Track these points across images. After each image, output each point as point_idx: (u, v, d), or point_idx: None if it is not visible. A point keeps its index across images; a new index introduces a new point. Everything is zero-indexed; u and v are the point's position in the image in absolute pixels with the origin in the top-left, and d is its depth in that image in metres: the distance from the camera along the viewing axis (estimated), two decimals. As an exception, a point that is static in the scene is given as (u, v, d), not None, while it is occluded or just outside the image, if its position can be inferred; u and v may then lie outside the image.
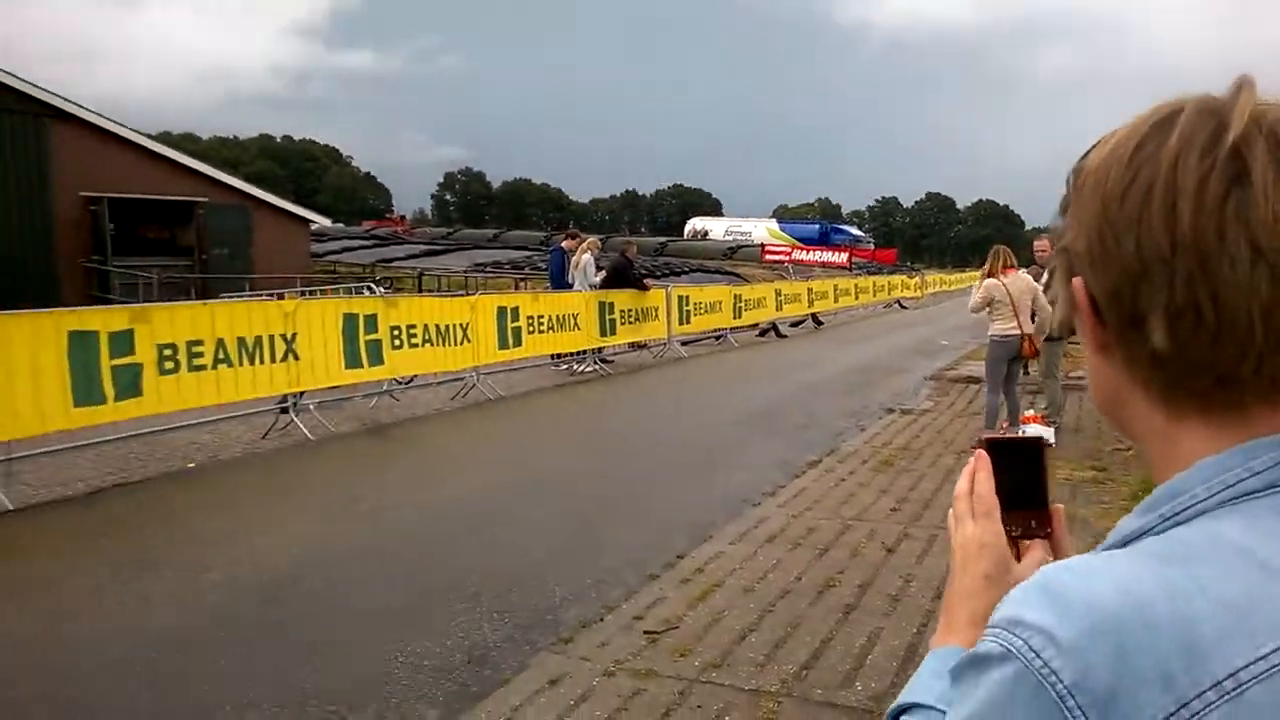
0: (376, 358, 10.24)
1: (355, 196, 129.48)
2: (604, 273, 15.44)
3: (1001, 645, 0.62)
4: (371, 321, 10.18)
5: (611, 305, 14.96)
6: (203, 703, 3.79)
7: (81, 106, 22.63)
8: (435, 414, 10.77)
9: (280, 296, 10.99)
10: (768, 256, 54.58)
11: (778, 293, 22.83)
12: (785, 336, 21.58)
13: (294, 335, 9.13)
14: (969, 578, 0.85)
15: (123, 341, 7.53)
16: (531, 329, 13.06)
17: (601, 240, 18.14)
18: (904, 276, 41.25)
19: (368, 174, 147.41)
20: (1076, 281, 0.72)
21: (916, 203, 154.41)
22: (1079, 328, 0.74)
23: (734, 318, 19.82)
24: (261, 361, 8.79)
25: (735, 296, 20.21)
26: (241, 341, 8.58)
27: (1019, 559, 0.85)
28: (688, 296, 18.15)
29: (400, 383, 11.25)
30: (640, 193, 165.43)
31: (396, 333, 10.53)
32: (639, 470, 8.01)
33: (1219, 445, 0.67)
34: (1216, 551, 0.63)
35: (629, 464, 8.29)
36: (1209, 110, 0.66)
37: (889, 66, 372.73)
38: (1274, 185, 0.63)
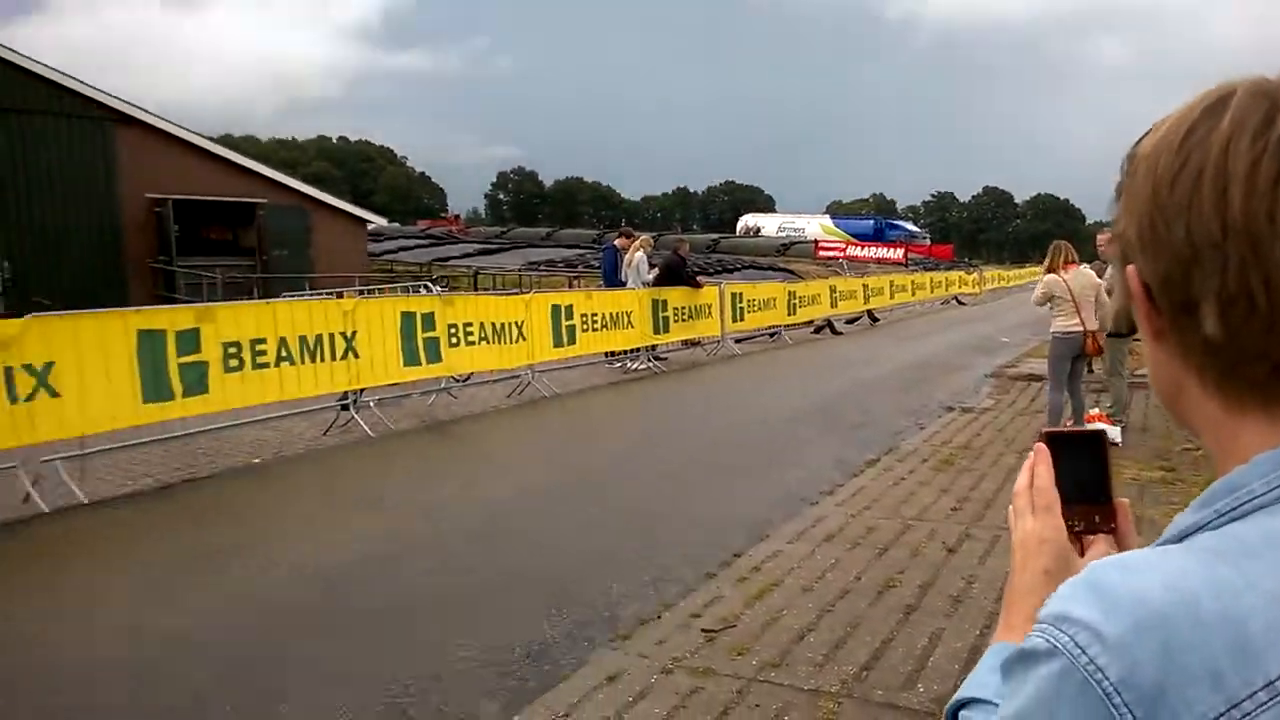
0: (434, 355, 10.36)
1: (410, 196, 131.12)
2: (657, 270, 15.44)
3: (1048, 641, 0.62)
4: (429, 320, 10.30)
5: (665, 303, 14.95)
6: (268, 691, 3.87)
7: (146, 111, 23.24)
8: (492, 411, 10.87)
9: (339, 295, 11.18)
10: (821, 253, 54.19)
11: (832, 289, 22.63)
12: (840, 333, 21.39)
13: (354, 334, 9.28)
14: (1029, 573, 0.84)
15: (189, 340, 7.72)
16: (585, 327, 13.11)
17: (654, 238, 18.14)
18: (961, 272, 40.60)
19: (422, 174, 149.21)
20: (1130, 269, 0.71)
21: (973, 197, 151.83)
22: (1135, 315, 0.74)
23: (788, 315, 19.68)
24: (322, 359, 8.94)
25: (789, 293, 20.07)
26: (303, 340, 8.74)
27: (1082, 554, 0.84)
28: (741, 293, 18.06)
29: (457, 380, 11.37)
30: (692, 190, 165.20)
31: (453, 331, 10.64)
32: (695, 468, 7.99)
33: (1279, 439, 0.65)
34: (1271, 548, 0.62)
35: (684, 462, 8.28)
36: (1262, 93, 0.65)
37: (941, 60, 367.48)
38: None
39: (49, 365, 6.71)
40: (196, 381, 7.75)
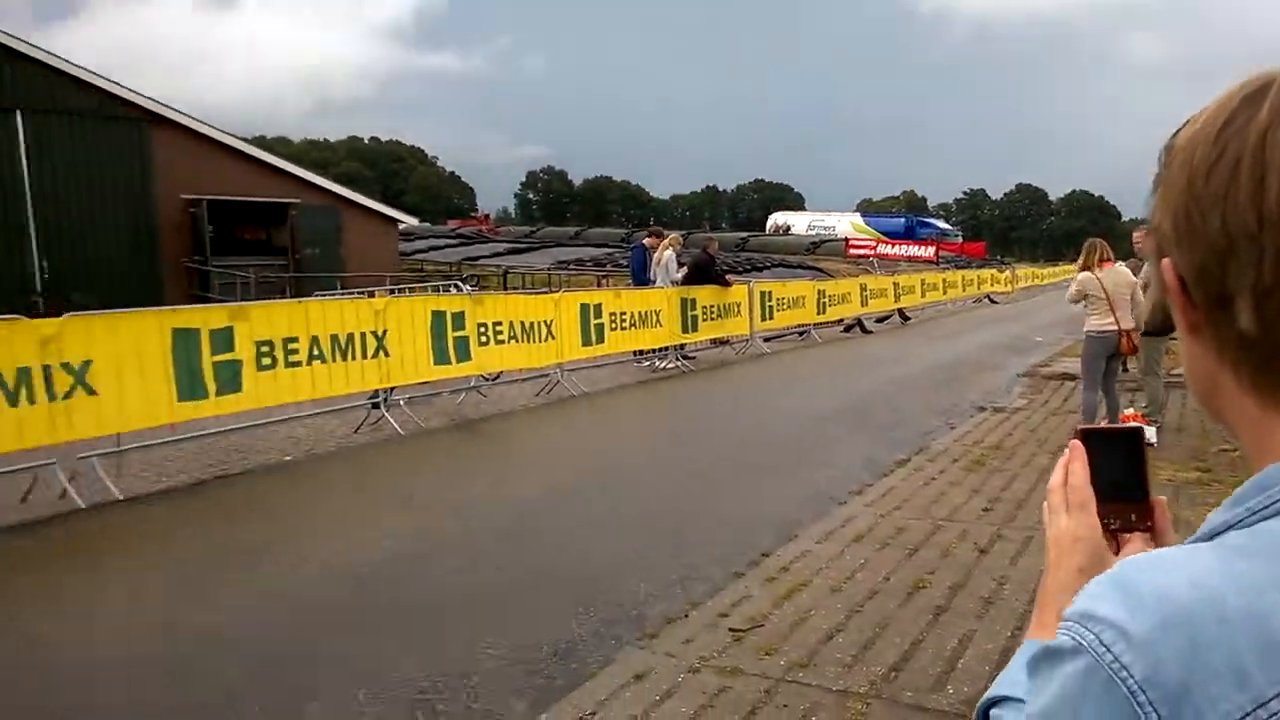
0: (464, 354, 10.42)
1: (440, 196, 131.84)
2: (685, 269, 15.42)
3: (1073, 639, 0.62)
4: (459, 319, 10.36)
5: (693, 301, 14.93)
6: (299, 689, 3.91)
7: (180, 112, 23.55)
8: (520, 410, 10.91)
9: (370, 295, 11.27)
10: (852, 251, 53.86)
11: (863, 288, 22.49)
12: (870, 332, 21.26)
13: (384, 332, 9.35)
14: (1063, 572, 0.83)
15: (223, 339, 7.81)
16: (614, 326, 13.12)
17: (683, 236, 18.12)
18: (993, 270, 40.17)
19: (452, 173, 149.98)
20: (1165, 262, 0.70)
21: (1006, 194, 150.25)
22: (1170, 310, 0.73)
23: (818, 313, 19.59)
24: (354, 358, 9.02)
25: (819, 292, 19.98)
26: (335, 339, 8.82)
27: (1118, 552, 0.83)
28: (770, 292, 18.00)
29: (487, 379, 11.43)
30: (721, 188, 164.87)
31: (483, 330, 10.70)
32: (723, 467, 7.97)
33: None
34: None
35: (712, 461, 8.26)
36: None
37: (974, 55, 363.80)
38: None
39: (86, 364, 6.82)
40: (230, 380, 7.84)
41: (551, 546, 5.74)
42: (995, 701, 0.82)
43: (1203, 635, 0.58)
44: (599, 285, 24.86)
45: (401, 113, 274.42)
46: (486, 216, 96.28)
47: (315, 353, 8.63)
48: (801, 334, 19.28)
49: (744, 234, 67.41)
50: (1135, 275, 8.42)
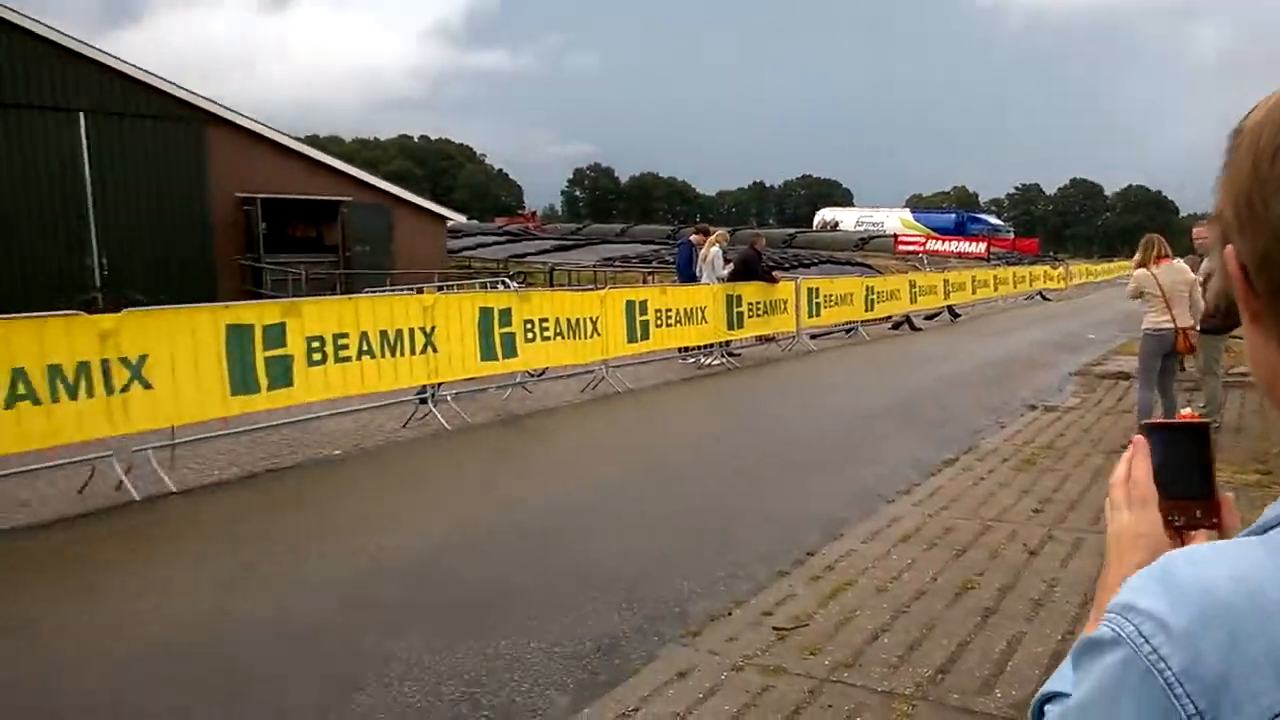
0: (510, 350, 10.48)
1: (488, 194, 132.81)
2: (732, 265, 15.36)
3: (1113, 630, 0.62)
4: (506, 315, 10.42)
5: (739, 298, 14.87)
6: (347, 678, 3.96)
7: (235, 111, 23.99)
8: (565, 406, 10.95)
9: (419, 291, 11.38)
10: (901, 247, 53.25)
11: (912, 284, 22.22)
12: (919, 329, 21.01)
13: (433, 329, 9.44)
14: (1122, 568, 0.82)
15: (275, 334, 7.94)
16: (659, 322, 13.11)
17: (729, 233, 18.05)
18: (1046, 267, 39.45)
19: (500, 171, 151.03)
20: (1228, 249, 0.69)
21: (1060, 189, 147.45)
22: (1235, 297, 0.71)
23: (866, 310, 19.40)
24: (402, 354, 9.12)
25: (867, 288, 19.78)
26: (384, 334, 8.92)
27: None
28: (818, 289, 17.86)
29: (532, 375, 11.49)
30: (768, 184, 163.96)
31: (529, 326, 10.75)
32: (768, 465, 7.93)
33: None
34: None
35: (757, 458, 8.22)
36: None
37: (1029, 47, 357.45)
38: None
39: (143, 358, 6.98)
40: (281, 374, 7.97)
41: (596, 542, 5.76)
42: (1050, 697, 0.81)
43: (1243, 628, 0.57)
44: (645, 282, 24.86)
45: (451, 111, 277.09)
46: (533, 214, 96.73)
47: (365, 348, 8.74)
48: (849, 331, 19.10)
49: (791, 230, 67.02)
50: (1194, 272, 8.22)
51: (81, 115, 21.04)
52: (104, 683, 3.96)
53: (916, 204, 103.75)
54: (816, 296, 17.58)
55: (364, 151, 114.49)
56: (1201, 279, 8.02)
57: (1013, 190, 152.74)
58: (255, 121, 24.53)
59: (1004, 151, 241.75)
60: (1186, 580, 0.61)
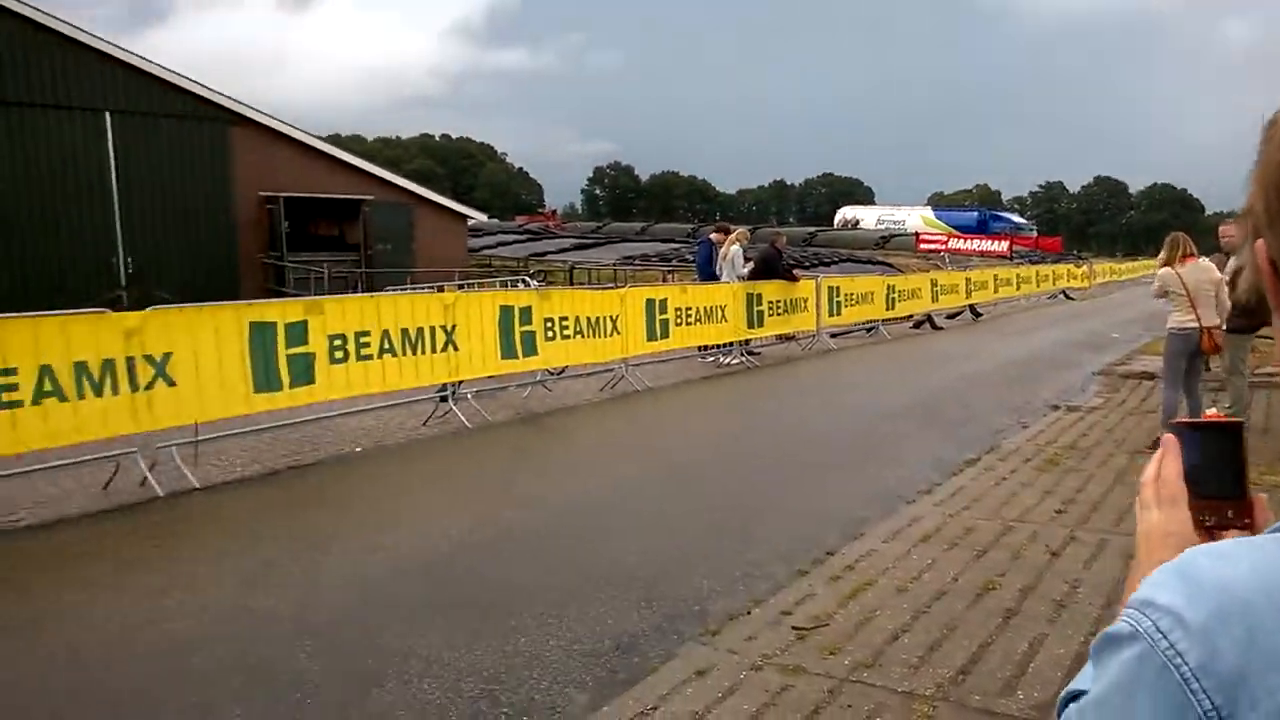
0: (530, 349, 10.50)
1: (509, 192, 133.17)
2: (752, 264, 15.32)
3: (1131, 625, 0.62)
4: (526, 314, 10.45)
5: (759, 296, 14.83)
6: (367, 675, 3.98)
7: (259, 110, 24.15)
8: (585, 404, 10.96)
9: (440, 290, 11.43)
10: (922, 246, 53.00)
11: (933, 283, 22.09)
12: (941, 328, 20.88)
13: (453, 327, 9.47)
14: (1150, 567, 0.82)
15: (297, 332, 7.99)
16: (679, 321, 13.10)
17: (750, 231, 18.01)
18: (1070, 266, 39.13)
19: (521, 169, 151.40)
20: (1258, 244, 0.68)
21: (1083, 187, 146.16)
22: (1266, 294, 0.71)
23: (887, 309, 19.31)
24: (423, 352, 9.16)
25: (888, 287, 19.68)
26: (405, 333, 8.96)
27: None
28: (838, 287, 17.79)
29: (552, 373, 11.51)
30: (789, 182, 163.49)
31: (549, 325, 10.77)
32: (787, 464, 7.91)
33: None
34: None
35: (777, 457, 8.20)
36: None
37: (1052, 43, 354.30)
38: None
39: (167, 355, 7.05)
40: (303, 372, 8.02)
41: (615, 540, 5.76)
42: (1074, 695, 0.82)
43: (1261, 625, 0.57)
44: (665, 280, 24.84)
45: (472, 110, 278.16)
46: (554, 212, 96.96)
47: (386, 346, 8.78)
48: (870, 330, 19.02)
49: (811, 229, 66.88)
50: (1220, 271, 8.13)
51: (108, 115, 21.25)
52: (127, 677, 4.00)
53: (938, 202, 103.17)
54: (837, 295, 17.51)
55: (386, 150, 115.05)
56: (1228, 277, 7.93)
57: (1036, 188, 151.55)
58: (278, 120, 24.69)
59: (1027, 149, 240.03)
60: (1205, 575, 0.61)
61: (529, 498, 6.85)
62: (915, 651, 4.13)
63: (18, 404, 6.17)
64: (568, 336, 11.07)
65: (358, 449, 8.46)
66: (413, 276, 23.78)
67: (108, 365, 6.67)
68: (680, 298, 13.32)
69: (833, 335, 17.44)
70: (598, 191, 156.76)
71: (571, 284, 27.99)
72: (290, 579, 5.13)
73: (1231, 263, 7.88)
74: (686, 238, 50.91)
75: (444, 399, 9.71)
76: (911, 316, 20.85)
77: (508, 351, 10.22)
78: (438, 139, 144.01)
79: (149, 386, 6.91)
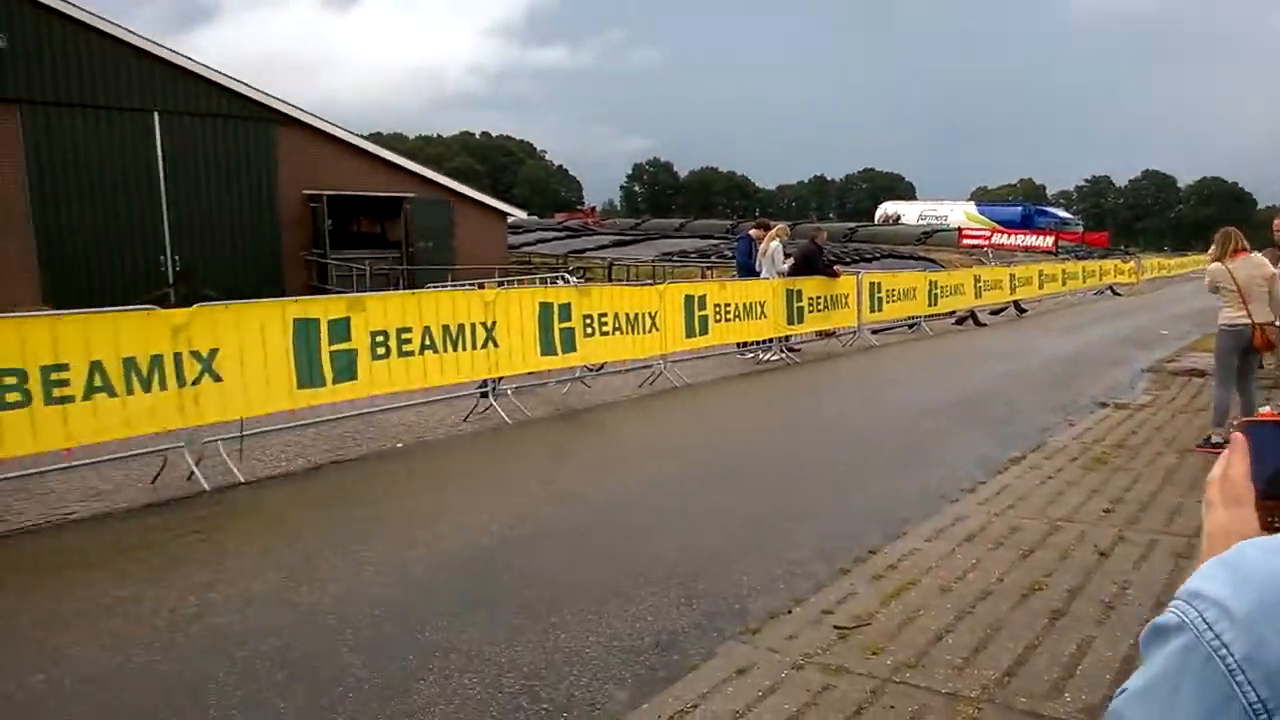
0: (570, 345, 10.52)
1: (548, 189, 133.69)
2: (792, 260, 15.22)
3: (1178, 616, 0.62)
4: (565, 310, 10.46)
5: (799, 293, 14.73)
6: (407, 670, 4.00)
7: (303, 110, 24.46)
8: (624, 401, 10.96)
9: (480, 286, 11.48)
10: (965, 241, 52.43)
11: (977, 279, 21.79)
12: (985, 325, 20.61)
13: (493, 323, 9.51)
14: None
15: (340, 329, 8.07)
16: (718, 317, 13.05)
17: (789, 227, 17.89)
18: (1117, 261, 38.43)
19: (560, 167, 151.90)
20: None
21: (1131, 181, 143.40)
22: None
23: (929, 305, 19.08)
24: (464, 348, 9.21)
25: (930, 283, 19.45)
26: (446, 329, 9.02)
27: None
28: (880, 283, 17.62)
29: (591, 370, 11.52)
30: (829, 178, 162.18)
31: (589, 321, 10.78)
32: (827, 461, 7.85)
33: None
34: None
35: (816, 455, 8.14)
36: None
37: (1099, 35, 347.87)
38: None
39: (214, 351, 7.15)
40: (346, 368, 8.10)
41: (654, 537, 5.75)
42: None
43: None
44: (703, 277, 24.77)
45: (512, 108, 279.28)
46: (593, 209, 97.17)
47: (427, 343, 8.84)
48: (911, 326, 18.83)
49: (852, 224, 66.37)
50: (1273, 266, 7.93)
51: (156, 115, 21.65)
52: (174, 670, 4.06)
53: (982, 197, 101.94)
54: (878, 291, 17.34)
55: (427, 148, 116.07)
56: None
57: (1082, 183, 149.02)
58: (322, 120, 24.99)
59: (1072, 143, 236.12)
60: (1253, 567, 0.60)
61: (568, 493, 6.86)
62: (960, 652, 4.07)
63: (69, 399, 6.30)
64: (606, 333, 11.08)
65: (399, 444, 8.53)
66: (453, 273, 23.95)
67: (156, 361, 6.78)
68: (719, 294, 13.27)
69: (874, 331, 17.28)
70: (636, 188, 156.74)
71: (610, 281, 28.02)
72: (333, 573, 5.18)
73: None
74: (725, 234, 50.81)
75: (484, 395, 9.76)
76: (954, 313, 20.60)
77: (547, 348, 10.24)
78: (478, 137, 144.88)
79: (196, 382, 7.02)
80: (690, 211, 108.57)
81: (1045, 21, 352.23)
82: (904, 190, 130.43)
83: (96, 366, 6.44)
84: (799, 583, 4.96)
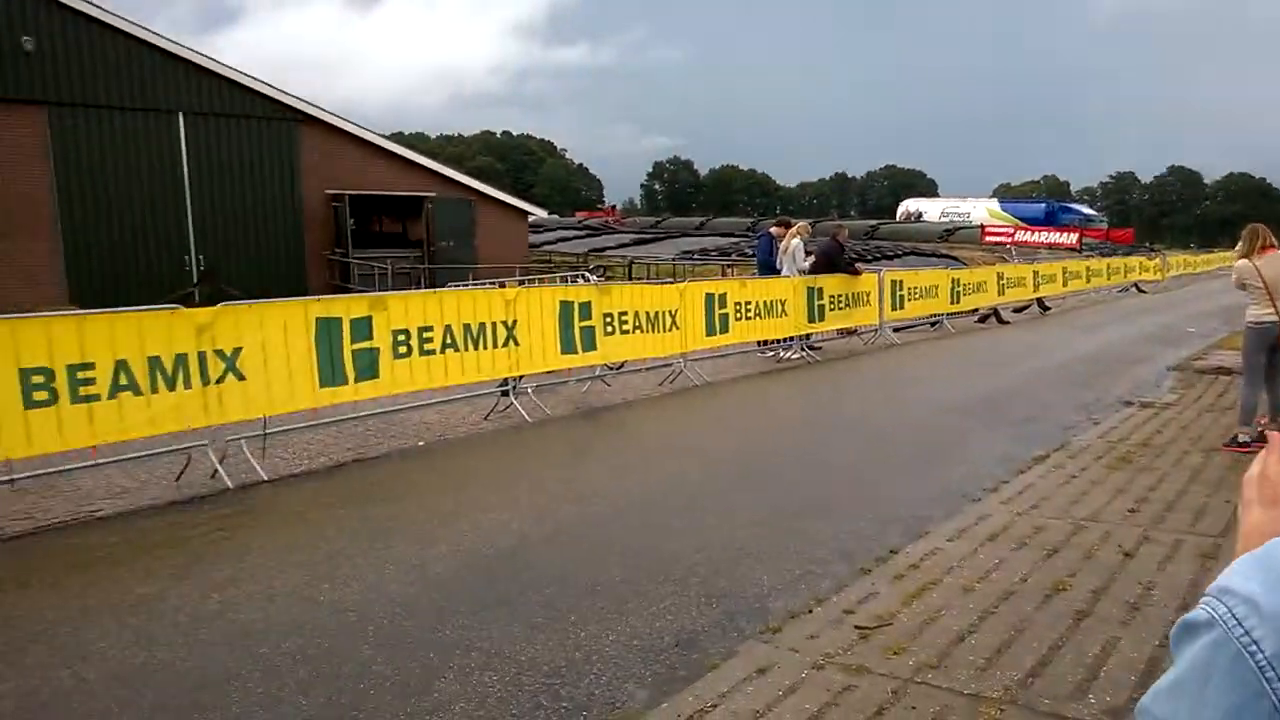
0: (590, 344, 10.53)
1: (569, 188, 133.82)
2: (813, 257, 15.16)
3: (1208, 612, 0.62)
4: (585, 309, 10.47)
5: (820, 290, 14.67)
6: (428, 667, 4.02)
7: (325, 110, 24.60)
8: (643, 399, 10.95)
9: (501, 285, 11.51)
10: (988, 238, 52.04)
11: (999, 276, 21.62)
12: (1007, 323, 20.45)
13: (514, 322, 9.54)
14: None
15: (362, 328, 8.11)
16: (739, 315, 13.02)
17: (811, 224, 17.83)
18: (1142, 258, 38.03)
19: (581, 166, 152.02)
20: None
21: (1156, 178, 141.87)
22: None
23: (951, 303, 18.95)
24: (484, 347, 9.24)
25: (953, 280, 19.31)
26: (467, 328, 9.05)
27: None
28: (901, 281, 17.52)
29: (611, 368, 11.52)
30: (850, 175, 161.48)
31: (609, 320, 10.79)
32: (848, 460, 7.82)
33: None
34: None
35: (837, 453, 8.11)
36: None
37: (1123, 28, 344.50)
38: None
39: (237, 350, 7.20)
40: (368, 367, 8.14)
41: (674, 536, 5.74)
42: None
43: None
44: (724, 275, 24.72)
45: (533, 107, 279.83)
46: (613, 208, 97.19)
47: (448, 341, 8.87)
48: (933, 324, 18.71)
49: (874, 221, 66.01)
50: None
51: (180, 116, 21.84)
52: (197, 666, 4.09)
53: (1004, 194, 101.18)
54: (900, 289, 17.24)
55: (448, 148, 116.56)
56: None
57: (1106, 179, 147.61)
58: (344, 120, 25.13)
59: (1096, 139, 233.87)
60: None
61: (588, 492, 6.87)
62: (982, 653, 4.04)
63: (95, 398, 6.36)
64: (627, 331, 11.08)
65: (420, 443, 8.57)
66: (474, 272, 24.03)
67: (180, 360, 6.84)
68: (740, 292, 13.23)
69: (895, 329, 17.19)
70: (657, 187, 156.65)
71: (630, 279, 28.01)
72: (354, 570, 5.21)
73: None
74: (746, 232, 50.70)
75: (505, 393, 9.79)
76: (977, 310, 20.45)
77: (567, 346, 10.26)
78: (499, 136, 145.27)
79: (220, 380, 7.08)
80: (710, 210, 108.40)
81: (1069, 16, 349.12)
82: (926, 187, 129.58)
83: (122, 365, 6.51)
84: (820, 582, 4.95)
